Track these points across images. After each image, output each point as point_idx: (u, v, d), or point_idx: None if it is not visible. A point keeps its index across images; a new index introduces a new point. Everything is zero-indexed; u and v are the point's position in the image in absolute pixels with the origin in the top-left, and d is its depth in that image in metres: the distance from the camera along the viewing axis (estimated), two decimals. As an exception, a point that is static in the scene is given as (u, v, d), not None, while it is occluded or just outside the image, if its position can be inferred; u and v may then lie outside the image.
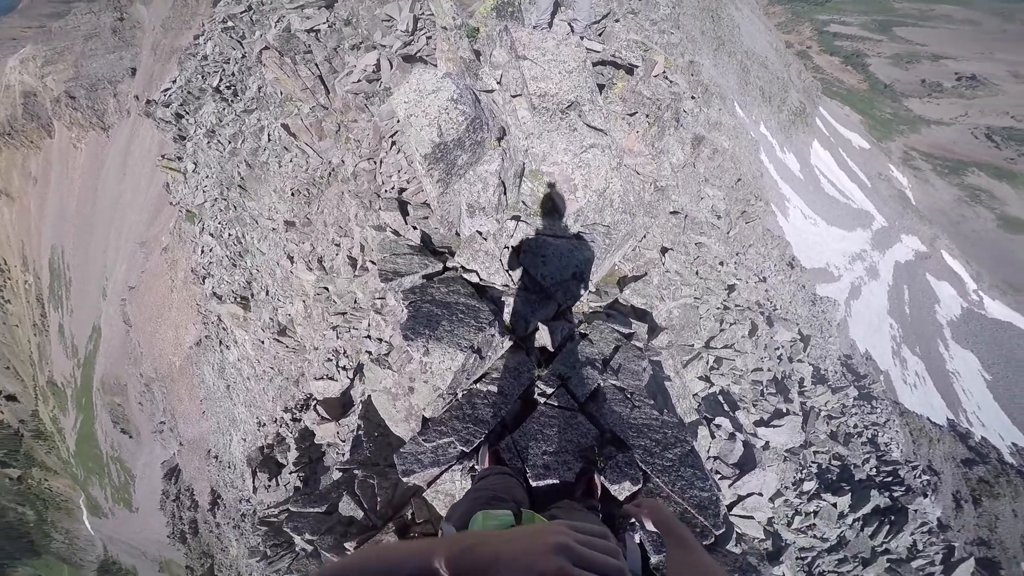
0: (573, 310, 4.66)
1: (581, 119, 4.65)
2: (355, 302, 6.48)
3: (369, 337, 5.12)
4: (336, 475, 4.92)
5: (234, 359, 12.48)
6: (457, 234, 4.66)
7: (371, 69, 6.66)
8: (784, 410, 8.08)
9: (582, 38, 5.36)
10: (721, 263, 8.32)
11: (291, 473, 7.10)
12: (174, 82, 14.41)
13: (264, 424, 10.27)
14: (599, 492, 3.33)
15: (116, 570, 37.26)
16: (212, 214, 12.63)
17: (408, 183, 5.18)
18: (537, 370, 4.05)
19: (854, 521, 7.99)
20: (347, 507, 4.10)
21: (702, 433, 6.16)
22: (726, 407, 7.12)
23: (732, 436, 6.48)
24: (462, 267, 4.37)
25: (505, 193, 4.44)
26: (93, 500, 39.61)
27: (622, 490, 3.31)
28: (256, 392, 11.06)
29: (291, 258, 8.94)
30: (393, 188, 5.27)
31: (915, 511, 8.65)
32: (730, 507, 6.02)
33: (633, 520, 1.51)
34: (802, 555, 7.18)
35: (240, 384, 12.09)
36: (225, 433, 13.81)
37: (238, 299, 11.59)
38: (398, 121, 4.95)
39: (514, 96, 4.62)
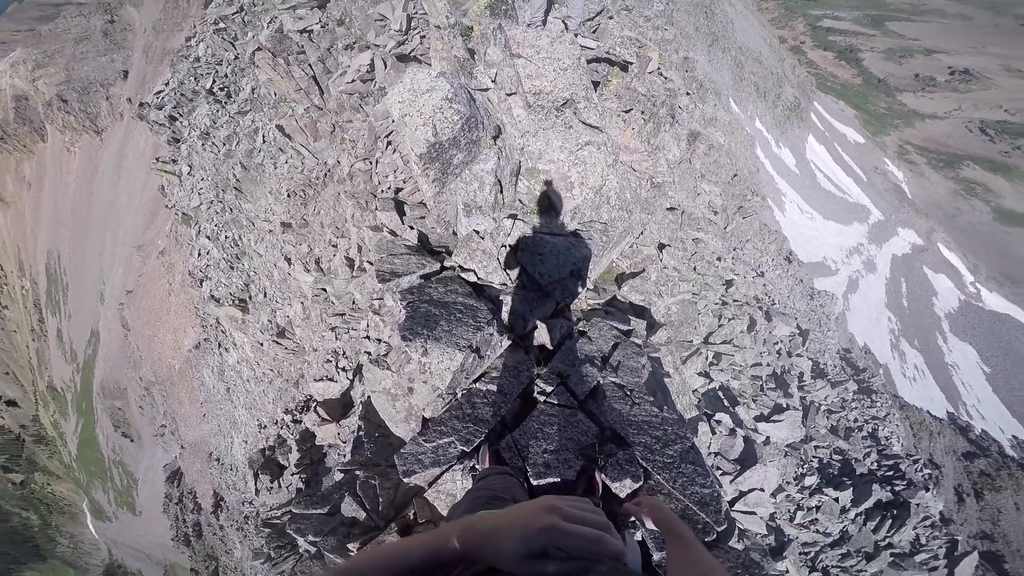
0: (571, 308, 4.66)
1: (576, 116, 4.64)
2: (353, 303, 6.47)
3: (368, 338, 5.11)
4: (338, 476, 4.91)
5: (233, 362, 12.46)
6: (454, 233, 4.65)
7: (365, 69, 6.64)
8: (784, 405, 8.10)
9: (576, 35, 5.35)
10: (719, 258, 8.32)
11: (293, 475, 7.10)
12: (167, 84, 14.35)
13: (265, 426, 10.26)
14: (600, 490, 3.32)
15: (121, 574, 37.18)
16: (208, 217, 12.60)
17: (404, 183, 5.16)
18: (536, 368, 4.04)
19: (856, 516, 8.01)
20: (349, 508, 4.10)
21: (702, 429, 6.16)
22: (726, 403, 7.13)
23: (732, 432, 6.48)
24: (459, 266, 4.36)
25: (502, 192, 4.44)
26: (96, 504, 39.54)
27: (623, 488, 3.31)
28: (256, 394, 11.04)
29: (288, 260, 8.92)
30: (389, 188, 5.26)
31: (917, 505, 8.66)
32: (732, 503, 6.02)
33: (633, 518, 1.51)
34: (805, 550, 7.20)
35: (240, 386, 12.08)
36: (226, 436, 13.80)
37: (236, 302, 11.57)
38: (393, 121, 4.94)
39: (509, 94, 4.61)
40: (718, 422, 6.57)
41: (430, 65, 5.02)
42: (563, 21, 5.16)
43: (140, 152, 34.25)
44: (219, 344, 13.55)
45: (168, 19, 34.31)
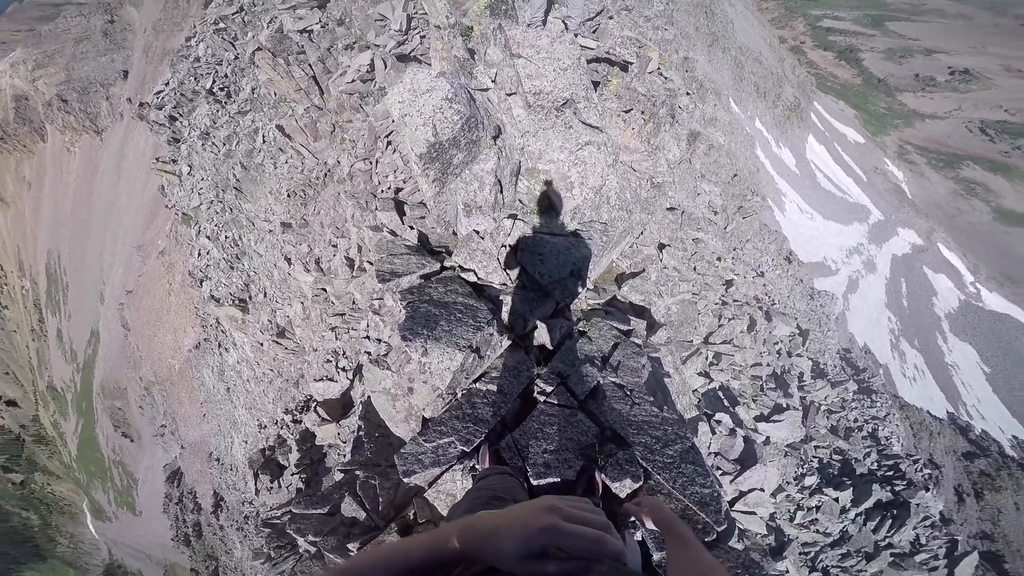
0: (571, 308, 4.66)
1: (576, 116, 4.64)
2: (353, 303, 6.47)
3: (368, 338, 5.11)
4: (338, 476, 4.91)
5: (233, 362, 12.46)
6: (454, 233, 4.65)
7: (365, 69, 6.64)
8: (784, 405, 8.10)
9: (576, 35, 5.35)
10: (719, 258, 8.32)
11: (293, 475, 7.11)
12: (167, 84, 14.35)
13: (265, 426, 10.26)
14: (600, 490, 3.32)
15: (121, 574, 37.18)
16: (208, 217, 12.60)
17: (404, 183, 5.16)
18: (536, 368, 4.04)
19: (856, 515, 8.00)
20: (349, 508, 4.09)
21: (702, 429, 6.16)
22: (726, 403, 7.13)
23: (732, 432, 6.48)
24: (459, 266, 4.36)
25: (502, 192, 4.44)
26: (96, 504, 39.56)
27: (623, 488, 3.31)
28: (256, 394, 11.04)
29: (288, 260, 8.92)
30: (389, 188, 5.26)
31: (917, 505, 8.65)
32: (732, 503, 6.02)
33: (633, 518, 1.52)
34: (805, 550, 7.20)
35: (240, 386, 12.08)
36: (226, 436, 13.80)
37: (236, 302, 11.57)
38: (393, 121, 4.94)
39: (509, 94, 4.61)
40: (718, 422, 6.57)
41: (430, 65, 5.02)
42: (563, 21, 5.16)
43: (140, 152, 34.26)
44: (219, 344, 13.55)
45: (168, 19, 34.31)
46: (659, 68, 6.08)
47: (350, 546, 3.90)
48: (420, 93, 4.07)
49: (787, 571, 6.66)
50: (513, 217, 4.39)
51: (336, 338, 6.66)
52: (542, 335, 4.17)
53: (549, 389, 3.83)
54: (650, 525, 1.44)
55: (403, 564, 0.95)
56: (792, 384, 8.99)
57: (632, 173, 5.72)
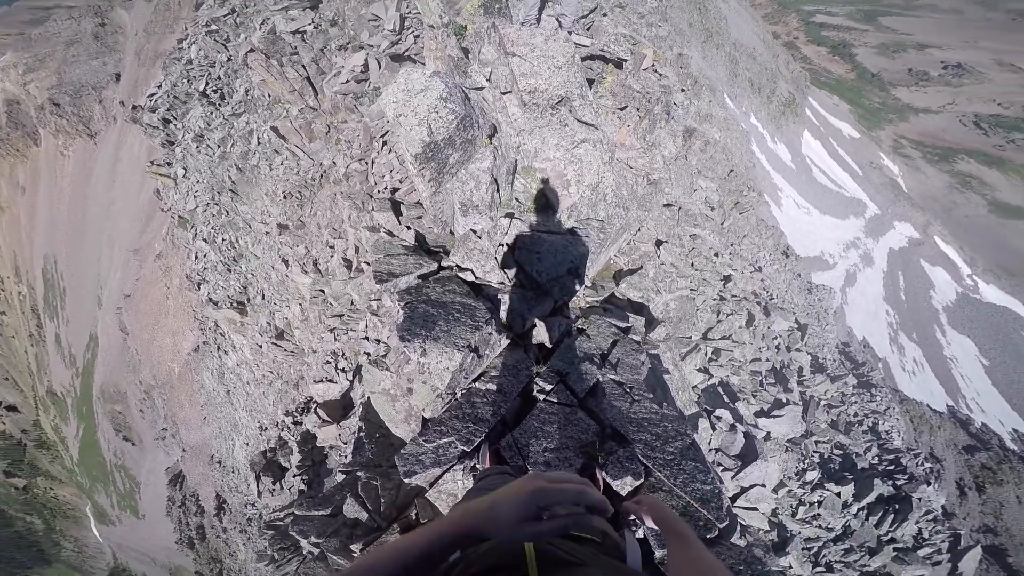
0: (570, 305, 4.66)
1: (572, 114, 4.63)
2: (351, 304, 6.46)
3: (367, 339, 5.10)
4: (339, 477, 4.91)
5: (233, 364, 12.44)
6: (451, 233, 4.64)
7: (359, 69, 6.62)
8: (784, 400, 8.11)
9: (570, 33, 5.34)
10: (716, 254, 8.33)
11: (295, 476, 7.11)
12: (159, 87, 14.31)
13: (266, 428, 10.25)
14: (601, 488, 3.32)
15: (126, 577, 37.21)
16: (204, 219, 12.57)
17: (400, 183, 5.15)
18: (535, 367, 4.04)
19: (859, 510, 8.00)
20: (351, 509, 4.09)
21: (703, 425, 6.17)
22: (726, 398, 7.14)
23: (733, 428, 6.49)
24: (457, 266, 4.35)
25: (498, 191, 4.43)
26: (99, 508, 39.52)
27: (624, 485, 3.31)
28: (256, 396, 11.03)
29: (286, 261, 8.90)
30: (386, 188, 5.25)
31: (919, 499, 8.65)
32: (733, 499, 6.03)
33: (633, 517, 1.52)
34: (808, 545, 7.19)
35: (240, 389, 12.06)
36: (227, 438, 13.79)
37: (234, 304, 11.54)
38: (388, 121, 4.92)
39: (504, 93, 4.60)
40: (718, 418, 6.58)
41: (424, 65, 5.00)
42: (557, 19, 5.15)
43: (135, 155, 34.11)
44: (218, 347, 13.53)
45: (159, 21, 34.11)
46: (654, 65, 6.07)
47: (353, 547, 3.90)
48: (414, 93, 4.06)
49: (790, 567, 6.67)
50: (510, 216, 4.38)
51: (335, 339, 6.65)
52: (541, 333, 4.16)
53: (549, 387, 3.83)
54: (650, 524, 1.44)
55: (410, 555, 1.01)
56: (791, 379, 9.01)
57: (628, 170, 5.72)
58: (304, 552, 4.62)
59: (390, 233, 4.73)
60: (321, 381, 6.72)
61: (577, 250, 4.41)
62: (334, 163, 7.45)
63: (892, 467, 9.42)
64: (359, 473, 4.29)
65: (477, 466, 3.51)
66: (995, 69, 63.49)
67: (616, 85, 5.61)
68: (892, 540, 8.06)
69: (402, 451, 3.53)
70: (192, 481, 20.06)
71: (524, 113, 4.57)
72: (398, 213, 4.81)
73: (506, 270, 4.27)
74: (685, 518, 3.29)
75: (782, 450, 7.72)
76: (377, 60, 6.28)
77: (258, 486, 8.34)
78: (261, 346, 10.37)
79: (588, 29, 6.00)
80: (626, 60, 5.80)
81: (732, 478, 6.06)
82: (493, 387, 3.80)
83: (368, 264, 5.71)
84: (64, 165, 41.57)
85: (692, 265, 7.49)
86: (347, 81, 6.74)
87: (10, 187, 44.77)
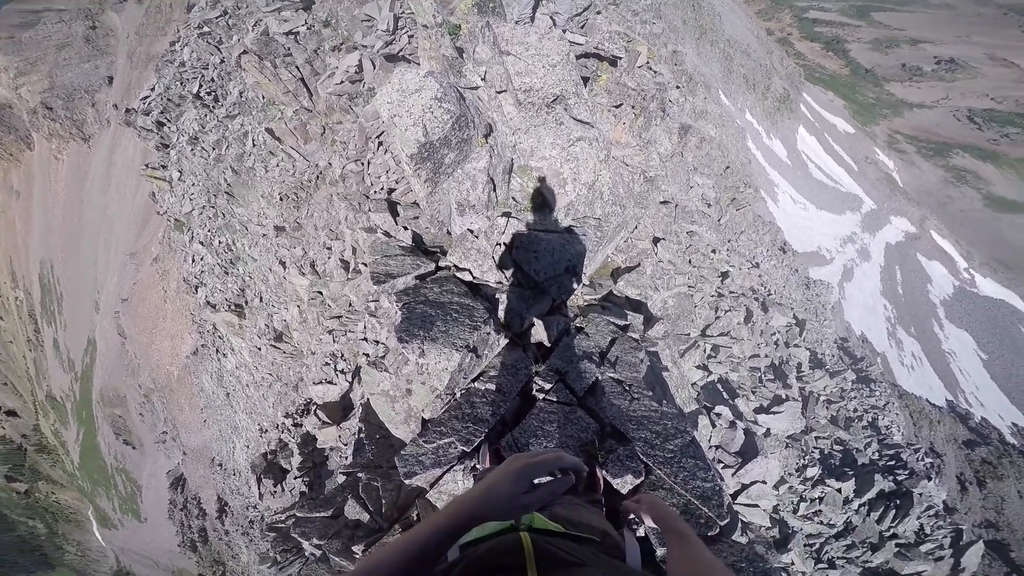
0: (568, 304, 4.65)
1: (567, 113, 4.62)
2: (349, 305, 6.45)
3: (365, 340, 5.09)
4: (340, 479, 4.89)
5: (232, 367, 12.41)
6: (448, 233, 4.63)
7: (353, 70, 6.60)
8: (783, 396, 8.12)
9: (564, 31, 5.33)
10: (713, 251, 8.33)
11: (296, 478, 7.09)
12: (153, 90, 14.24)
13: (266, 430, 10.23)
14: (601, 486, 3.32)
15: (130, 581, 37.16)
16: (201, 222, 12.53)
17: (397, 183, 5.14)
18: (534, 366, 4.03)
19: (860, 506, 8.00)
20: (353, 510, 4.08)
21: (702, 422, 6.17)
22: (725, 395, 7.14)
23: (733, 424, 6.50)
24: (454, 266, 4.34)
25: (495, 190, 4.42)
26: (101, 511, 39.44)
27: (624, 484, 3.31)
28: (256, 399, 11.01)
29: (283, 263, 8.87)
30: (382, 189, 5.23)
31: (920, 494, 8.65)
32: (734, 496, 6.04)
33: (633, 516, 1.52)
34: (810, 542, 7.19)
35: (239, 391, 12.04)
36: (228, 441, 13.77)
37: (232, 307, 11.51)
38: (383, 122, 4.91)
39: (499, 92, 4.58)
40: (718, 415, 6.58)
41: (418, 64, 4.99)
42: (551, 17, 5.14)
43: (129, 159, 33.95)
44: (217, 350, 13.50)
45: (151, 24, 33.92)
46: (648, 62, 6.07)
47: (355, 548, 3.89)
48: (409, 93, 4.05)
49: (792, 563, 6.68)
50: (507, 215, 4.38)
51: (334, 341, 6.63)
52: (539, 332, 4.16)
53: (548, 386, 3.82)
54: (649, 523, 1.44)
55: (411, 553, 1.05)
56: (791, 375, 9.02)
57: (624, 168, 5.72)
58: (306, 554, 4.62)
59: (387, 234, 4.71)
60: (320, 383, 6.71)
61: (574, 248, 4.40)
62: (330, 164, 7.43)
63: (892, 462, 9.43)
64: (360, 474, 4.28)
65: (477, 466, 3.51)
66: (988, 64, 63.64)
67: (611, 83, 5.60)
68: (894, 536, 8.06)
69: (402, 452, 3.53)
70: (193, 484, 20.03)
71: (519, 112, 4.56)
72: (395, 214, 4.80)
73: (504, 269, 4.26)
74: (686, 516, 3.29)
75: (782, 446, 7.73)
76: (371, 60, 6.27)
77: (259, 488, 8.33)
78: (260, 348, 10.35)
79: (582, 27, 5.99)
80: (621, 58, 5.79)
81: (733, 475, 6.07)
82: (492, 387, 3.80)
83: (366, 265, 5.70)
84: (58, 169, 41.38)
85: (690, 262, 7.49)
86: (341, 82, 6.72)
87: (4, 192, 44.59)
